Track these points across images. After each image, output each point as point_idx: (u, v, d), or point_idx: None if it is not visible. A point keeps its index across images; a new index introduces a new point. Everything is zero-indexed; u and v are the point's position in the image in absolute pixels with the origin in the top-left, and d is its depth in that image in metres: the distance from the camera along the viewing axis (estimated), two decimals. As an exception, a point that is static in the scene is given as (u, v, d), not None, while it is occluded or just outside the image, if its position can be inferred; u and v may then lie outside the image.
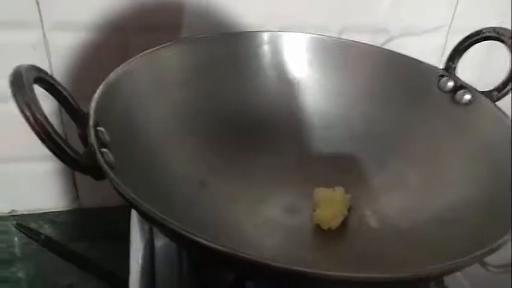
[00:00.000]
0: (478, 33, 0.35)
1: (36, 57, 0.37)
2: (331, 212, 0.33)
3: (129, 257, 0.34)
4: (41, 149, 0.40)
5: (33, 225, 0.44)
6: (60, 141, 0.21)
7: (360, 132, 0.38)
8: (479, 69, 0.49)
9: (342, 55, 0.39)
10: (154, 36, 0.37)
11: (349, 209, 0.34)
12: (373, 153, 0.37)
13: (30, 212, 0.45)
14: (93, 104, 0.26)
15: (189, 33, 0.40)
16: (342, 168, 0.37)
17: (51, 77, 0.24)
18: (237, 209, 0.33)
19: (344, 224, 0.33)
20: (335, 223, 0.33)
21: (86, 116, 0.25)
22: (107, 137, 0.25)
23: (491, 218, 0.27)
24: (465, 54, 0.36)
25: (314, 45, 0.39)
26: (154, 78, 0.33)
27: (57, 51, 0.38)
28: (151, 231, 0.36)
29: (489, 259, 0.36)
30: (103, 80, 0.28)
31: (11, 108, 0.22)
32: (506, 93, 0.33)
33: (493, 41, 0.34)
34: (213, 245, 0.19)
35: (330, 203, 0.33)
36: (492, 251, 0.22)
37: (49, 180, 0.44)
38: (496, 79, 0.33)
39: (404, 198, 0.34)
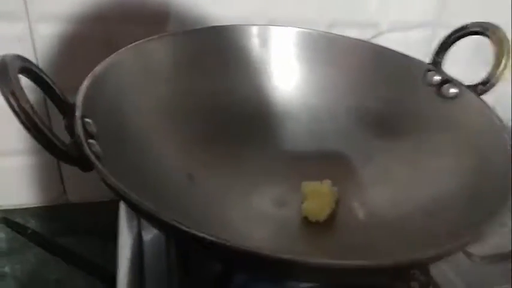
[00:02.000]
0: (463, 28, 0.35)
1: (21, 49, 0.37)
2: (319, 204, 0.33)
3: (117, 251, 0.34)
4: (26, 142, 0.39)
5: (19, 220, 0.43)
6: (46, 131, 0.21)
7: (347, 125, 0.38)
8: (465, 62, 0.49)
9: (330, 49, 0.39)
10: (142, 28, 0.37)
11: (337, 202, 0.35)
12: (360, 146, 0.38)
13: (16, 207, 0.44)
14: (80, 95, 0.26)
15: (177, 26, 0.40)
16: (330, 161, 0.37)
17: (37, 66, 0.24)
18: (225, 201, 0.33)
19: (332, 216, 0.34)
20: (323, 216, 0.33)
21: (72, 106, 0.25)
22: (93, 129, 0.25)
23: (474, 208, 0.28)
24: (452, 48, 0.36)
25: (302, 39, 0.39)
26: (142, 70, 0.33)
27: (43, 43, 0.37)
28: (139, 225, 0.36)
29: (474, 250, 0.37)
30: (89, 71, 0.28)
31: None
32: (490, 87, 0.34)
33: (479, 36, 0.34)
34: (201, 234, 0.19)
35: (317, 195, 0.34)
36: (470, 240, 0.23)
37: (35, 175, 0.43)
38: (483, 72, 0.34)
39: (390, 190, 0.34)
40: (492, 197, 0.27)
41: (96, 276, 0.40)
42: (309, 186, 0.35)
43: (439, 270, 0.34)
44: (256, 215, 0.33)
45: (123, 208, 0.38)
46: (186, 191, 0.31)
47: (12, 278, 0.39)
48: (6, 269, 0.39)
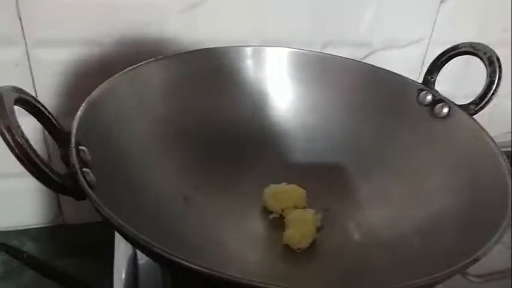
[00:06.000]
0: (454, 48, 0.36)
1: (19, 74, 0.37)
2: (301, 232, 0.32)
3: (112, 273, 0.34)
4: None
5: (15, 242, 0.43)
6: (41, 164, 0.21)
7: (341, 144, 0.39)
8: (459, 80, 0.50)
9: (323, 69, 0.40)
10: (139, 52, 0.37)
11: (331, 223, 0.34)
12: (355, 166, 0.38)
13: (12, 229, 0.44)
14: (75, 123, 0.26)
15: (173, 49, 0.40)
16: (326, 181, 0.37)
17: (33, 97, 0.24)
18: (221, 224, 0.33)
19: (329, 237, 0.34)
20: (304, 244, 0.32)
21: (67, 135, 0.25)
22: (88, 156, 0.25)
23: (470, 229, 0.28)
24: (445, 66, 0.37)
25: (296, 59, 0.40)
26: (137, 95, 0.33)
27: (40, 68, 0.37)
28: (134, 248, 0.36)
29: (469, 269, 0.37)
30: (86, 95, 0.28)
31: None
32: (483, 107, 0.34)
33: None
34: (195, 267, 0.19)
35: (300, 223, 0.33)
36: (470, 264, 0.23)
37: (32, 196, 0.43)
38: (476, 89, 0.34)
39: (387, 210, 0.34)
40: (488, 217, 0.26)
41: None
42: (293, 213, 0.34)
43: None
44: (251, 237, 0.33)
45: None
46: (182, 214, 0.31)
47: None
48: (2, 293, 0.39)
